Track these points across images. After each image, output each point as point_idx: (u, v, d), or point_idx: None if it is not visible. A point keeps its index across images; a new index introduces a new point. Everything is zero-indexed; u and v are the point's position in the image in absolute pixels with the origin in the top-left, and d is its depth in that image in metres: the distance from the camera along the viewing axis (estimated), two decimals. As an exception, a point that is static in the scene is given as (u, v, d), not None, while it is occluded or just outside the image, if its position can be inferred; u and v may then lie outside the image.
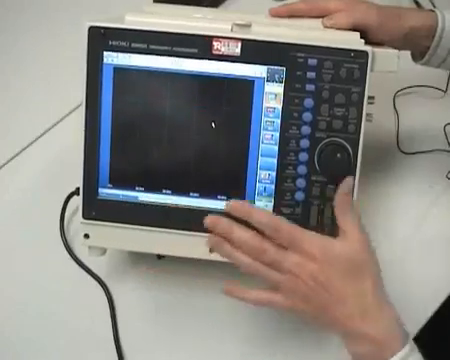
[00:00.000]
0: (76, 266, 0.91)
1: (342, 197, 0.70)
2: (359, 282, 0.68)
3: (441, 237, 0.91)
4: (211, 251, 0.73)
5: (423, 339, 0.84)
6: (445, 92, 1.00)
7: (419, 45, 0.87)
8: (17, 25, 1.22)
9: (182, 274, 0.89)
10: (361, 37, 0.79)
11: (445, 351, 0.97)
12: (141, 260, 0.90)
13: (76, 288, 0.90)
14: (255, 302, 0.71)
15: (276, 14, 0.83)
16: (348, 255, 0.68)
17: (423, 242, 0.90)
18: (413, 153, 0.97)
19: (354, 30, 0.80)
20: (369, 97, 0.75)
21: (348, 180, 0.71)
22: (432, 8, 0.99)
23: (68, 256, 0.91)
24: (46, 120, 1.07)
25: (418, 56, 0.89)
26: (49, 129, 1.06)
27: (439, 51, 0.86)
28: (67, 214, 0.94)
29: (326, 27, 0.81)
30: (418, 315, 0.85)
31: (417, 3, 1.18)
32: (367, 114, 0.75)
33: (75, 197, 0.90)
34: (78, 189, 0.80)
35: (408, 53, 0.88)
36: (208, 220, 0.70)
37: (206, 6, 0.98)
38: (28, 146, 1.05)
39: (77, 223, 0.80)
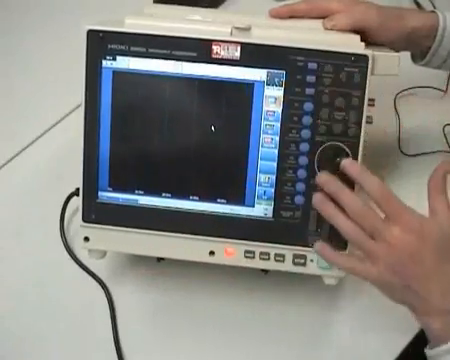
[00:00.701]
0: (76, 267, 0.90)
1: (438, 178, 0.72)
2: (447, 260, 0.70)
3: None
4: (314, 206, 0.74)
5: (423, 339, 0.85)
6: (445, 92, 1.00)
7: (420, 45, 0.86)
8: (19, 27, 1.22)
9: (181, 276, 0.89)
10: (362, 38, 0.78)
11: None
12: (141, 262, 0.90)
13: (76, 289, 0.90)
14: (345, 267, 0.73)
15: (276, 15, 0.83)
16: (441, 233, 0.70)
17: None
18: (414, 155, 0.96)
19: (354, 31, 0.80)
20: (369, 100, 0.75)
21: (447, 162, 0.73)
22: (433, 9, 0.98)
23: (68, 257, 0.91)
24: (46, 120, 1.07)
25: (419, 57, 0.89)
26: (49, 129, 1.06)
27: (440, 51, 0.85)
28: (67, 215, 0.94)
29: (326, 28, 0.81)
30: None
31: (417, 4, 1.17)
32: (367, 116, 0.74)
33: (75, 197, 0.90)
34: (78, 190, 0.80)
35: (408, 54, 0.88)
36: (322, 177, 0.72)
37: (206, 7, 0.98)
38: (28, 146, 1.05)
39: (77, 224, 0.80)
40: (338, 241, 0.75)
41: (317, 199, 0.72)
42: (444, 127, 0.98)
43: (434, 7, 1.12)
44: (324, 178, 0.72)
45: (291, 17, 0.83)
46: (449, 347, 0.68)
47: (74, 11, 1.17)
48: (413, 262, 0.69)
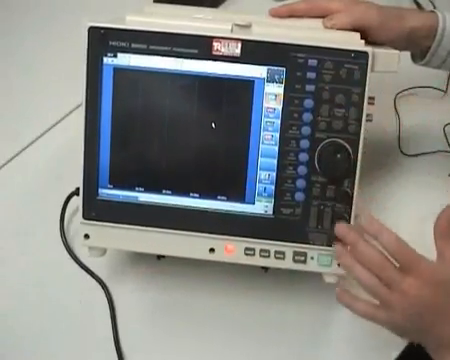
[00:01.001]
0: (76, 266, 0.90)
1: (444, 222, 0.73)
2: None
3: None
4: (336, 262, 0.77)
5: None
6: (445, 92, 1.00)
7: (420, 45, 0.86)
8: (19, 27, 1.22)
9: (181, 275, 0.89)
10: (362, 37, 0.79)
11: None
12: (141, 260, 0.90)
13: (76, 288, 0.90)
14: (362, 313, 0.74)
15: (276, 14, 0.83)
16: None
17: (425, 244, 0.89)
18: (415, 155, 0.97)
19: (354, 30, 0.80)
20: (370, 98, 0.75)
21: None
22: (432, 9, 0.98)
23: (68, 256, 0.91)
24: (46, 120, 1.07)
25: (418, 57, 0.89)
26: (49, 129, 1.06)
27: (440, 51, 0.86)
28: (67, 214, 0.94)
29: (326, 27, 0.81)
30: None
31: (417, 4, 1.17)
32: (367, 114, 0.75)
33: (75, 197, 0.90)
34: (78, 189, 0.80)
35: (408, 54, 0.88)
36: (340, 229, 0.74)
37: (206, 6, 0.98)
38: (28, 146, 1.05)
39: (77, 223, 0.80)
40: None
41: (337, 252, 0.74)
42: (444, 127, 0.98)
43: (434, 7, 1.13)
44: (343, 230, 0.74)
45: (291, 16, 0.83)
46: None
47: (74, 11, 1.17)
48: (429, 312, 0.70)
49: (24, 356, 0.86)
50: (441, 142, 0.98)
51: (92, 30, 0.74)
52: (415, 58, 0.90)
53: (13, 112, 1.09)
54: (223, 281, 0.87)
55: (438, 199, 0.92)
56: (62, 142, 1.03)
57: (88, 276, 0.90)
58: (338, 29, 0.80)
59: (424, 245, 0.84)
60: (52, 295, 0.90)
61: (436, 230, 0.73)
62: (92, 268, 0.90)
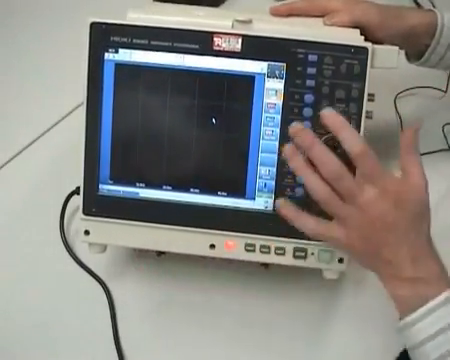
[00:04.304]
0: (76, 265, 0.90)
1: (409, 135, 0.69)
2: (419, 226, 0.68)
3: (446, 238, 0.91)
4: (283, 155, 0.71)
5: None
6: (445, 92, 1.00)
7: (419, 43, 0.87)
8: (18, 27, 1.22)
9: (182, 273, 0.88)
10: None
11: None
12: (141, 259, 0.90)
13: (76, 287, 0.90)
14: (312, 231, 0.70)
15: (276, 13, 0.83)
16: (416, 199, 0.68)
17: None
18: None
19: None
20: (369, 94, 0.75)
21: (418, 122, 0.70)
22: (431, 8, 0.99)
23: (68, 255, 0.91)
24: (46, 120, 1.07)
25: (415, 56, 0.89)
26: (49, 129, 1.06)
27: (438, 48, 0.86)
28: (67, 213, 0.93)
29: (327, 26, 0.82)
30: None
31: (417, 3, 1.18)
32: (367, 111, 0.75)
33: (75, 197, 0.90)
34: (78, 188, 0.80)
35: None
36: (292, 127, 0.69)
37: (206, 5, 0.99)
38: (28, 146, 1.05)
39: (77, 222, 0.80)
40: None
41: (287, 149, 0.69)
42: (444, 126, 0.99)
43: (433, 6, 1.14)
44: (295, 128, 0.69)
45: (290, 15, 0.84)
46: (418, 315, 0.66)
47: (74, 11, 1.16)
48: (386, 229, 0.67)
49: (24, 355, 0.85)
50: (441, 142, 0.98)
51: (94, 25, 0.75)
52: (410, 58, 0.91)
53: (13, 112, 1.09)
54: (223, 279, 0.87)
55: (439, 198, 0.93)
56: (62, 142, 1.03)
57: (88, 275, 0.90)
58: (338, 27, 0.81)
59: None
60: (52, 294, 0.89)
61: (402, 143, 0.69)
62: (92, 267, 0.90)
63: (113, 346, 0.84)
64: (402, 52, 0.86)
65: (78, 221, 0.81)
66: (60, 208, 0.93)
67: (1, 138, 1.06)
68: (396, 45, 0.83)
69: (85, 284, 0.90)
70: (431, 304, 0.65)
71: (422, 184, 0.68)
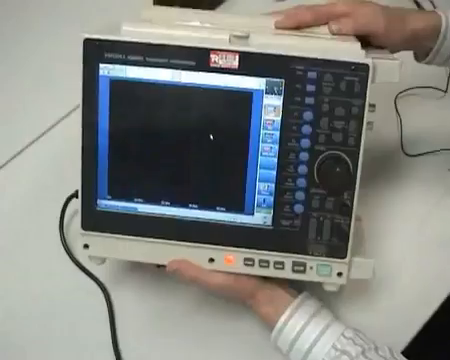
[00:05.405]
0: (75, 268, 0.91)
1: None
2: None
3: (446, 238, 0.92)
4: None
5: (423, 340, 0.85)
6: (445, 92, 0.99)
7: (423, 46, 0.85)
8: (18, 27, 1.21)
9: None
10: (365, 40, 0.78)
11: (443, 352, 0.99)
12: (141, 265, 0.89)
13: (75, 291, 0.90)
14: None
15: (282, 27, 0.81)
16: None
17: (431, 243, 0.90)
18: (417, 155, 0.96)
19: (359, 35, 0.79)
20: (370, 105, 0.74)
21: None
22: (433, 9, 0.97)
23: (68, 258, 0.92)
24: (46, 120, 1.07)
25: (421, 56, 0.87)
26: (49, 129, 1.06)
27: (443, 51, 0.84)
28: (66, 216, 0.94)
29: (332, 31, 0.79)
30: (420, 315, 0.87)
31: (417, 4, 1.15)
32: (368, 122, 0.73)
33: (75, 199, 0.90)
34: (77, 192, 0.79)
35: (407, 54, 0.86)
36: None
37: (206, 6, 0.96)
38: (28, 146, 1.04)
39: (77, 225, 0.79)
40: (337, 249, 0.75)
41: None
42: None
43: (434, 7, 1.11)
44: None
45: (298, 28, 0.81)
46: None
47: (73, 10, 1.16)
48: None
49: (22, 359, 0.86)
50: (442, 142, 0.97)
51: (87, 42, 0.73)
52: (418, 57, 0.89)
53: (13, 112, 1.09)
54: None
55: (442, 198, 0.93)
56: (62, 142, 1.03)
57: (87, 278, 0.91)
58: (343, 34, 0.79)
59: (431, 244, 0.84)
60: (50, 298, 0.90)
61: None
62: (92, 271, 0.91)
63: (112, 352, 0.85)
64: (404, 53, 0.84)
65: (78, 224, 0.80)
66: (60, 208, 0.94)
67: (1, 138, 1.06)
68: (399, 48, 0.82)
69: (84, 286, 0.90)
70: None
71: None
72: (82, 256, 0.90)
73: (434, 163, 0.94)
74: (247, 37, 0.73)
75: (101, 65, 0.74)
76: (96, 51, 0.73)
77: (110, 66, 0.74)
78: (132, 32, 0.74)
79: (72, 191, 0.92)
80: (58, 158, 1.02)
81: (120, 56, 0.73)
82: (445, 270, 0.89)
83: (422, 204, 0.93)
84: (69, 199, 0.93)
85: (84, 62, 0.74)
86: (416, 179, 0.94)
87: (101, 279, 0.90)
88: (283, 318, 0.78)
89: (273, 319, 0.79)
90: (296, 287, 0.82)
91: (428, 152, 0.95)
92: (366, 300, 0.86)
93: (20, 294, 0.91)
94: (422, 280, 0.89)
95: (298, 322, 0.77)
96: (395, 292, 0.88)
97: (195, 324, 0.87)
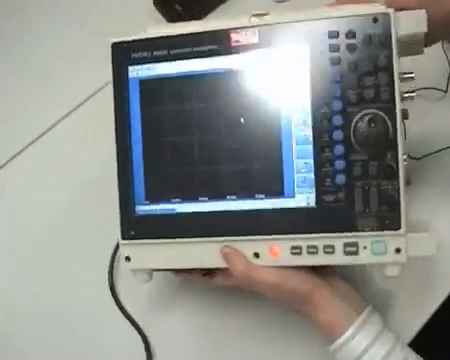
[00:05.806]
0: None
1: None
2: None
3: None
4: None
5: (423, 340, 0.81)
6: (445, 92, 0.94)
7: None
8: (17, 25, 1.21)
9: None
10: None
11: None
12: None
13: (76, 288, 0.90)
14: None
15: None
16: None
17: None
18: (421, 157, 0.89)
19: None
20: (406, 73, 0.71)
21: None
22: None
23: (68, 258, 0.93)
24: (46, 121, 1.06)
25: None
26: (49, 129, 1.05)
27: None
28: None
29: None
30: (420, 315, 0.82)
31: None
32: (403, 110, 0.70)
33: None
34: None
35: (405, 58, 0.82)
36: None
37: (206, 5, 0.98)
38: (28, 146, 1.05)
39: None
40: (390, 219, 0.69)
41: None
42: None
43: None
44: None
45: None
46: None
47: (73, 10, 1.17)
48: None
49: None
50: (443, 142, 0.90)
51: (115, 46, 0.76)
52: None
53: (13, 112, 1.10)
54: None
55: (442, 198, 0.88)
56: (62, 142, 1.03)
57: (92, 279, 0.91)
58: None
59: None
60: (50, 297, 0.91)
61: None
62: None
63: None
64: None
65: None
66: (60, 208, 0.95)
67: (1, 138, 1.07)
68: (435, 33, 0.78)
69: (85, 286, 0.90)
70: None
71: None
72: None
73: (435, 164, 0.88)
74: (266, 14, 0.74)
75: (130, 67, 0.76)
76: (124, 54, 0.76)
77: (138, 67, 0.75)
78: (156, 33, 0.76)
79: (72, 191, 0.95)
80: (58, 158, 1.02)
81: (146, 54, 0.75)
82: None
83: (427, 207, 0.87)
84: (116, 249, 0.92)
85: (113, 66, 0.76)
86: (422, 181, 0.88)
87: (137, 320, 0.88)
88: (347, 334, 0.71)
89: (333, 330, 0.72)
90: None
91: (430, 153, 0.89)
92: (367, 298, 0.78)
93: (20, 294, 0.91)
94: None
95: (362, 343, 0.70)
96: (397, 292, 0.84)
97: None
